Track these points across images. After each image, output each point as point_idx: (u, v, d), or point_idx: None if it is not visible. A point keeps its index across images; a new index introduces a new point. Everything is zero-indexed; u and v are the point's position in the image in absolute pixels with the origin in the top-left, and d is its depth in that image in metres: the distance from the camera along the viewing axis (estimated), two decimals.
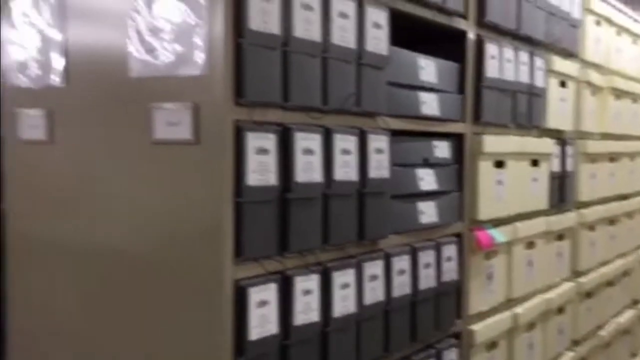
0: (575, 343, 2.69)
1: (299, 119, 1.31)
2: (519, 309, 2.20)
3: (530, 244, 2.29)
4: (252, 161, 1.20)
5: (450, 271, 1.82)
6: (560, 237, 2.52)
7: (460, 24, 1.86)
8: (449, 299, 1.84)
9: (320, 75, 1.34)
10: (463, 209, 1.92)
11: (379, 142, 1.50)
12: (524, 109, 2.16)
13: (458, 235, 1.90)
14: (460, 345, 1.91)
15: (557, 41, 2.35)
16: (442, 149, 1.83)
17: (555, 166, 2.43)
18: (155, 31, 1.25)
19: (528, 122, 2.20)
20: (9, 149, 1.56)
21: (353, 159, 1.43)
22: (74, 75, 1.42)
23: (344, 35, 1.39)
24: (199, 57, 1.19)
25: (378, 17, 1.49)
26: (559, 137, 2.45)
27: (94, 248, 1.40)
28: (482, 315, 2.03)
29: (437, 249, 1.76)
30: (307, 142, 1.31)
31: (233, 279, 1.20)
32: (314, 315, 1.34)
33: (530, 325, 2.30)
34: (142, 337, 1.32)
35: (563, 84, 2.44)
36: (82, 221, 1.42)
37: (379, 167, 1.51)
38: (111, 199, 1.36)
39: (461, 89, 1.90)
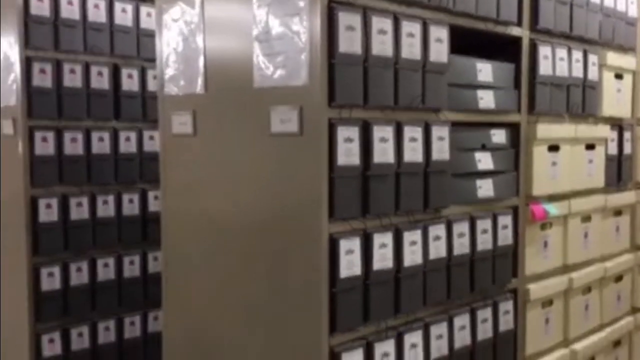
0: (635, 310, 2.97)
1: (376, 116, 1.75)
2: (574, 274, 2.54)
3: (586, 218, 2.61)
4: (341, 147, 1.66)
5: (505, 237, 2.20)
6: (618, 212, 2.82)
7: (515, 31, 2.23)
8: (505, 260, 2.22)
9: (392, 82, 1.78)
10: (519, 186, 2.29)
11: (440, 132, 1.92)
12: (578, 100, 2.49)
13: (515, 208, 2.27)
14: (516, 300, 2.29)
15: (612, 39, 2.64)
16: (499, 136, 2.21)
17: (612, 149, 2.73)
18: (272, 54, 1.72)
19: (582, 111, 2.52)
20: (164, 141, 2.10)
21: (419, 145, 1.85)
22: (211, 85, 1.93)
23: (411, 50, 1.82)
24: (303, 72, 1.65)
25: (439, 34, 1.90)
26: (616, 123, 2.74)
27: (226, 216, 1.91)
28: (538, 277, 2.40)
29: (494, 218, 2.15)
30: (382, 133, 1.75)
31: (328, 233, 1.66)
32: (388, 263, 1.78)
33: (587, 289, 2.63)
34: (267, 276, 1.81)
35: (619, 76, 2.73)
36: (217, 196, 1.93)
37: (441, 151, 1.92)
38: (239, 178, 1.86)
39: (517, 85, 2.27)
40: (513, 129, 2.28)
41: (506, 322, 2.21)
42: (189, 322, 2.07)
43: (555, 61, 2.36)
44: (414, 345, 1.88)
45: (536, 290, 2.35)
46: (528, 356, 2.35)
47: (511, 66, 2.25)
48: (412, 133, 1.84)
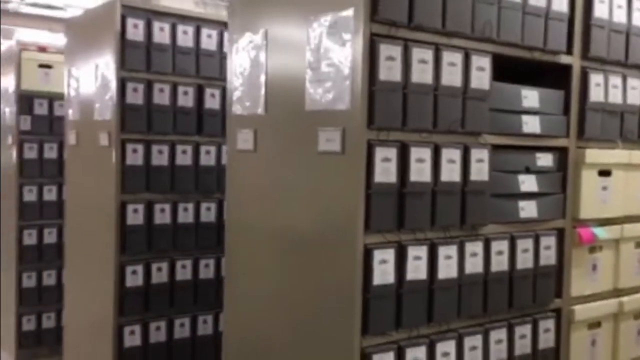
0: None
1: (414, 138, 1.91)
2: (625, 298, 2.56)
3: None
4: (378, 166, 1.83)
5: (548, 257, 2.28)
6: None
7: (565, 59, 2.31)
8: (547, 280, 2.29)
9: (431, 107, 1.93)
10: (565, 209, 2.36)
11: (480, 154, 2.04)
12: (633, 126, 2.52)
13: (560, 230, 2.34)
14: (559, 320, 2.35)
15: None
16: (545, 160, 2.30)
17: None
18: (321, 81, 1.92)
19: (638, 138, 2.55)
20: (230, 156, 2.35)
21: (457, 166, 1.99)
22: (270, 107, 2.15)
23: (451, 77, 1.96)
24: (347, 98, 1.84)
25: (481, 63, 2.03)
26: None
27: (279, 226, 2.12)
28: (585, 298, 2.44)
29: (536, 238, 2.24)
30: (419, 154, 1.90)
31: (364, 244, 1.83)
32: (422, 274, 1.93)
33: (639, 315, 2.64)
34: (310, 281, 2.00)
35: None
36: (271, 206, 2.15)
37: (480, 172, 2.04)
38: (291, 190, 2.07)
39: (566, 111, 2.35)
40: (562, 153, 2.36)
41: (546, 340, 2.28)
42: (245, 322, 2.29)
43: (608, 88, 2.42)
44: (446, 354, 2.00)
45: (581, 311, 2.40)
46: None
47: (560, 93, 2.33)
48: (450, 155, 1.98)
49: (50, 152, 4.31)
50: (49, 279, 4.36)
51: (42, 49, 4.45)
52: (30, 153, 4.25)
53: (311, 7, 1.96)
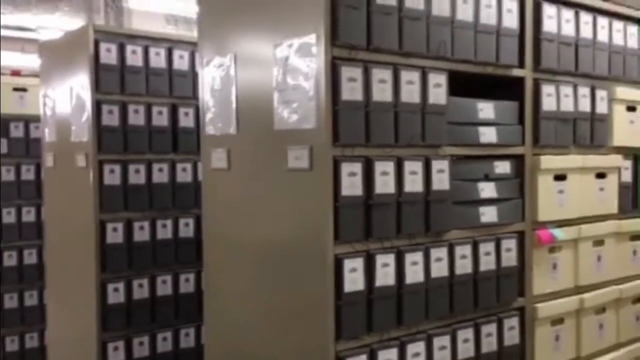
0: None
1: (377, 153, 2.03)
2: (586, 295, 2.70)
3: (599, 242, 2.78)
4: (345, 180, 1.95)
5: (509, 259, 2.41)
6: (636, 237, 2.96)
7: (517, 72, 2.46)
8: (510, 280, 2.42)
9: (392, 123, 2.06)
10: (524, 212, 2.50)
11: (440, 165, 2.17)
12: (585, 132, 2.68)
13: (521, 233, 2.48)
14: (523, 318, 2.49)
15: (622, 74, 2.81)
16: (502, 167, 2.44)
17: (627, 177, 2.88)
18: (288, 102, 2.04)
19: (591, 142, 2.70)
20: (205, 174, 2.45)
21: (419, 177, 2.12)
22: (242, 127, 2.26)
23: (410, 95, 2.09)
24: (312, 118, 1.96)
25: (438, 79, 2.17)
26: (630, 152, 2.90)
27: (252, 238, 2.23)
28: (547, 296, 2.58)
29: (497, 241, 2.37)
30: (383, 167, 2.02)
31: (334, 254, 1.95)
32: (390, 280, 2.05)
33: (601, 310, 2.78)
34: (286, 291, 2.11)
35: (632, 109, 2.89)
36: (245, 221, 2.26)
37: (441, 182, 2.17)
38: (264, 205, 2.17)
39: (521, 121, 2.49)
40: (518, 160, 2.50)
41: (511, 337, 2.41)
42: (226, 333, 2.39)
43: (559, 98, 2.57)
44: (416, 354, 2.12)
45: (544, 308, 2.54)
46: None
47: (515, 104, 2.48)
48: (412, 167, 2.10)
49: (28, 174, 4.36)
50: (31, 299, 4.41)
51: (16, 73, 4.52)
52: (8, 175, 4.31)
53: (276, 32, 2.07)
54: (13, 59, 7.19)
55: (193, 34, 7.50)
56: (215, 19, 2.38)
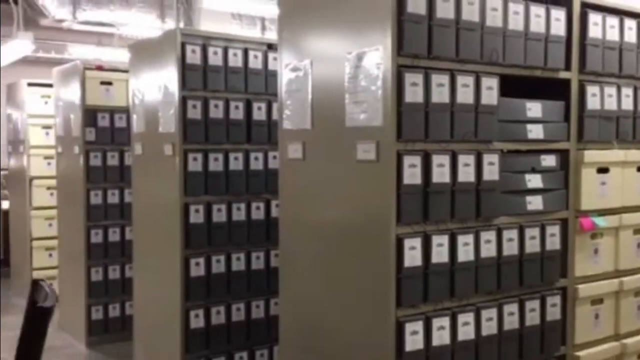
0: None
1: (435, 147, 2.34)
2: (625, 278, 2.95)
3: (639, 230, 3.01)
4: (406, 171, 2.26)
5: (553, 243, 2.68)
6: None
7: (564, 75, 2.71)
8: (553, 262, 2.69)
9: (449, 121, 2.36)
10: (568, 202, 2.76)
11: (490, 158, 2.46)
12: (628, 129, 2.91)
13: (564, 220, 2.75)
14: (565, 297, 2.75)
15: None
16: (549, 160, 2.71)
17: None
18: (358, 103, 2.36)
19: (632, 138, 2.93)
20: (282, 163, 2.80)
21: (471, 169, 2.41)
22: (316, 123, 2.60)
23: (465, 96, 2.38)
24: (379, 117, 2.28)
25: (490, 83, 2.45)
26: None
27: (323, 220, 2.56)
28: (588, 278, 2.84)
29: (542, 227, 2.65)
30: (439, 160, 2.33)
31: (396, 234, 2.27)
32: (444, 258, 2.36)
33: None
34: (353, 266, 2.44)
35: None
36: (318, 205, 2.60)
37: (491, 173, 2.46)
38: (335, 192, 2.51)
39: (567, 118, 2.75)
40: (563, 155, 2.76)
41: (553, 313, 2.69)
42: (298, 304, 2.74)
43: (603, 97, 2.81)
44: (466, 323, 2.43)
45: (585, 289, 2.80)
46: (578, 345, 2.81)
47: (561, 103, 2.74)
48: (466, 160, 2.40)
49: (113, 160, 4.83)
50: (114, 273, 4.89)
51: (100, 67, 4.98)
52: (95, 161, 4.78)
53: (349, 42, 2.39)
54: (90, 51, 7.72)
55: (263, 34, 7.86)
56: (294, 30, 2.72)
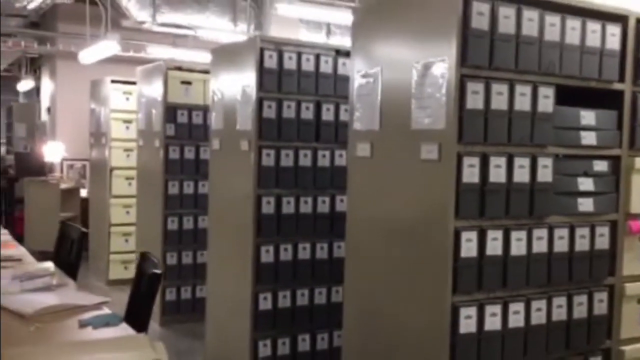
0: None
1: (492, 150, 2.57)
2: None
3: None
4: (466, 170, 2.51)
5: (602, 243, 2.87)
6: None
7: (617, 86, 2.90)
8: (601, 261, 2.88)
9: (506, 127, 2.59)
10: (618, 205, 2.94)
11: (544, 162, 2.68)
12: None
13: (614, 222, 2.93)
14: (612, 294, 2.94)
15: None
16: (601, 165, 2.90)
17: None
18: (423, 108, 2.62)
19: None
20: (350, 161, 3.08)
21: (526, 171, 2.63)
22: (384, 125, 2.87)
23: (522, 104, 2.61)
24: (443, 121, 2.53)
25: (547, 92, 2.66)
26: None
27: (387, 213, 2.83)
28: (636, 278, 3.01)
29: (592, 227, 2.84)
30: (497, 161, 2.56)
31: (454, 227, 2.51)
32: (498, 251, 2.59)
33: None
34: (414, 255, 2.70)
35: None
36: (383, 199, 2.86)
37: (544, 175, 2.68)
38: (398, 186, 2.77)
39: (619, 127, 2.93)
40: (615, 161, 2.94)
41: (600, 308, 2.88)
42: (361, 291, 3.02)
43: None
44: (516, 312, 2.65)
45: (632, 287, 2.98)
46: (623, 340, 2.98)
47: (613, 113, 2.92)
48: (521, 162, 2.63)
49: (189, 154, 5.23)
50: (187, 258, 5.29)
51: (178, 68, 5.37)
52: (174, 154, 5.18)
53: (417, 53, 2.65)
54: (165, 52, 8.19)
55: (328, 37, 8.16)
56: (366, 40, 2.99)
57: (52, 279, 2.55)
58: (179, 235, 5.25)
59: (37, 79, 10.67)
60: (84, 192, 7.73)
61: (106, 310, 2.18)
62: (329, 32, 8.17)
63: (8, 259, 2.97)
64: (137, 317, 2.10)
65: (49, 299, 2.21)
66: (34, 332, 2.01)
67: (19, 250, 3.29)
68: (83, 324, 2.04)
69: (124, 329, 2.02)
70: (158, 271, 2.02)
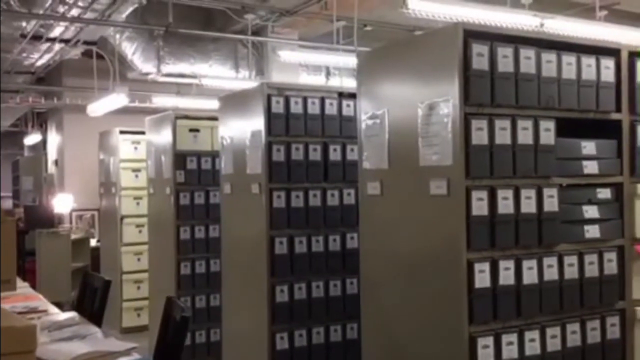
0: None
1: (499, 183, 2.68)
2: None
3: None
4: (475, 204, 2.60)
5: (611, 268, 2.95)
6: None
7: (615, 116, 3.02)
8: (611, 286, 2.96)
9: (511, 160, 2.69)
10: (624, 230, 3.03)
11: (550, 192, 2.78)
12: None
13: (620, 247, 3.01)
14: (624, 318, 3.00)
15: None
16: (604, 193, 3.00)
17: None
18: (431, 145, 2.73)
19: None
20: (362, 199, 3.18)
21: (533, 202, 2.73)
22: (392, 163, 2.97)
23: (525, 137, 2.72)
24: (450, 157, 2.64)
25: (547, 125, 2.78)
26: None
27: (400, 248, 2.92)
28: None
29: (600, 253, 2.92)
30: (504, 194, 2.67)
31: (466, 259, 2.60)
32: (511, 280, 2.67)
33: None
34: (429, 288, 2.78)
35: None
36: (395, 235, 2.95)
37: (551, 205, 2.77)
38: (409, 222, 2.86)
39: (619, 155, 3.04)
40: (618, 188, 3.04)
41: (613, 332, 2.94)
42: (379, 326, 3.08)
43: None
44: (532, 340, 2.72)
45: None
46: None
47: (613, 142, 3.03)
48: (527, 193, 2.73)
49: (199, 199, 5.33)
50: (200, 302, 5.34)
51: (186, 117, 5.52)
52: (184, 200, 5.29)
53: (421, 94, 2.78)
54: (169, 100, 8.38)
55: (328, 79, 8.35)
56: (371, 83, 3.13)
57: (80, 328, 2.62)
58: (192, 280, 5.31)
59: (44, 132, 10.85)
60: (93, 242, 7.82)
61: (136, 356, 2.25)
62: (328, 74, 8.37)
63: (33, 311, 3.05)
64: None
65: (80, 347, 2.29)
66: None
67: (42, 302, 3.36)
68: None
69: None
70: (187, 314, 2.11)
